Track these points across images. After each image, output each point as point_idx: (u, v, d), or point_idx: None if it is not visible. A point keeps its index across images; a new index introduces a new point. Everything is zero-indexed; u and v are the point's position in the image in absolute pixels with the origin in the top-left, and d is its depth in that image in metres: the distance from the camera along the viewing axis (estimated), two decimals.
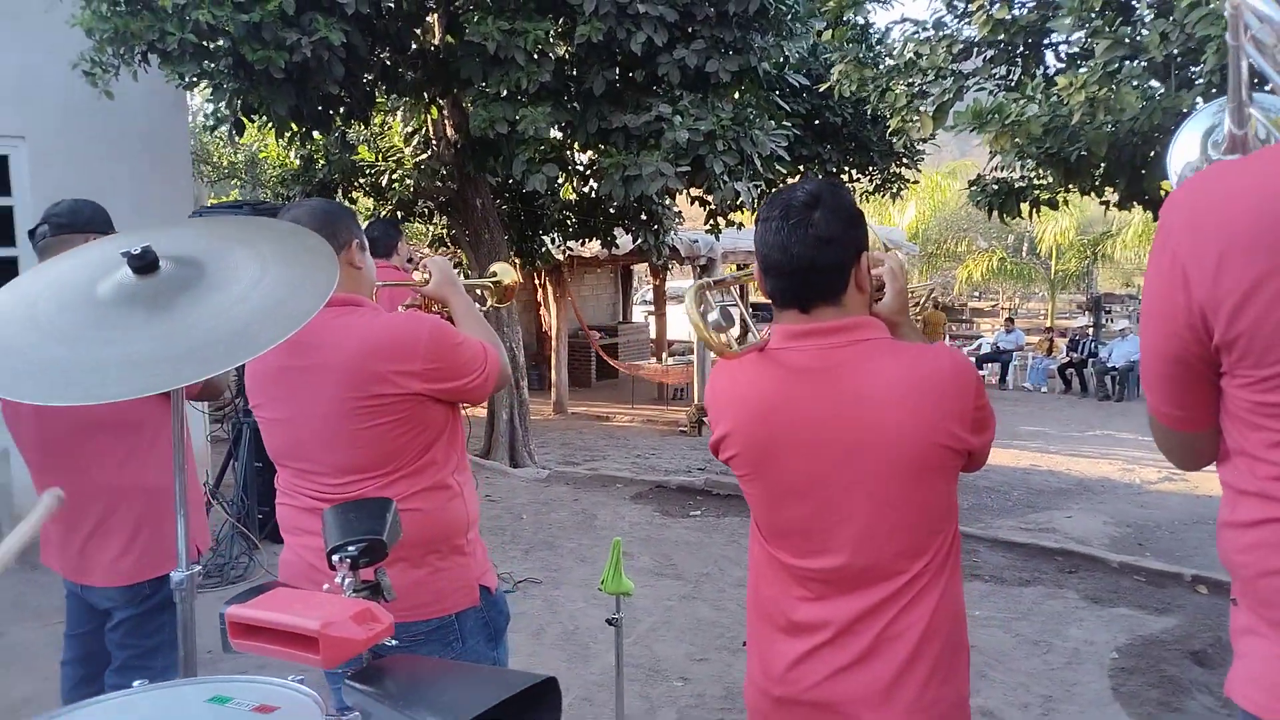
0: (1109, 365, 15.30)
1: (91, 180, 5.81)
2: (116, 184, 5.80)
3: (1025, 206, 5.57)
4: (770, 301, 1.60)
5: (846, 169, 9.83)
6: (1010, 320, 19.23)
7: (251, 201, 8.53)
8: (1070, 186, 4.88)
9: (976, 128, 4.28)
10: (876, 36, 7.58)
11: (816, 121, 9.18)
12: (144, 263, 1.62)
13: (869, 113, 8.43)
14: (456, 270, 2.50)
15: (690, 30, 6.30)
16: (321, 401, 2.05)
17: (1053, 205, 5.47)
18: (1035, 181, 5.36)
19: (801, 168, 9.32)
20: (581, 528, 6.20)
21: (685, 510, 6.72)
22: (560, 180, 7.90)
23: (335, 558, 1.42)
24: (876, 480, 1.53)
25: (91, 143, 5.96)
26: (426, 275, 2.34)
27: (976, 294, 27.91)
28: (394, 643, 1.38)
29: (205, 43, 5.39)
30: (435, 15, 7.04)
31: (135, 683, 1.62)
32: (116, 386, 1.56)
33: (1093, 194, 5.09)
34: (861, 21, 7.34)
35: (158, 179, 6.25)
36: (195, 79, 5.78)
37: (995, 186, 5.57)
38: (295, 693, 1.54)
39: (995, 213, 5.57)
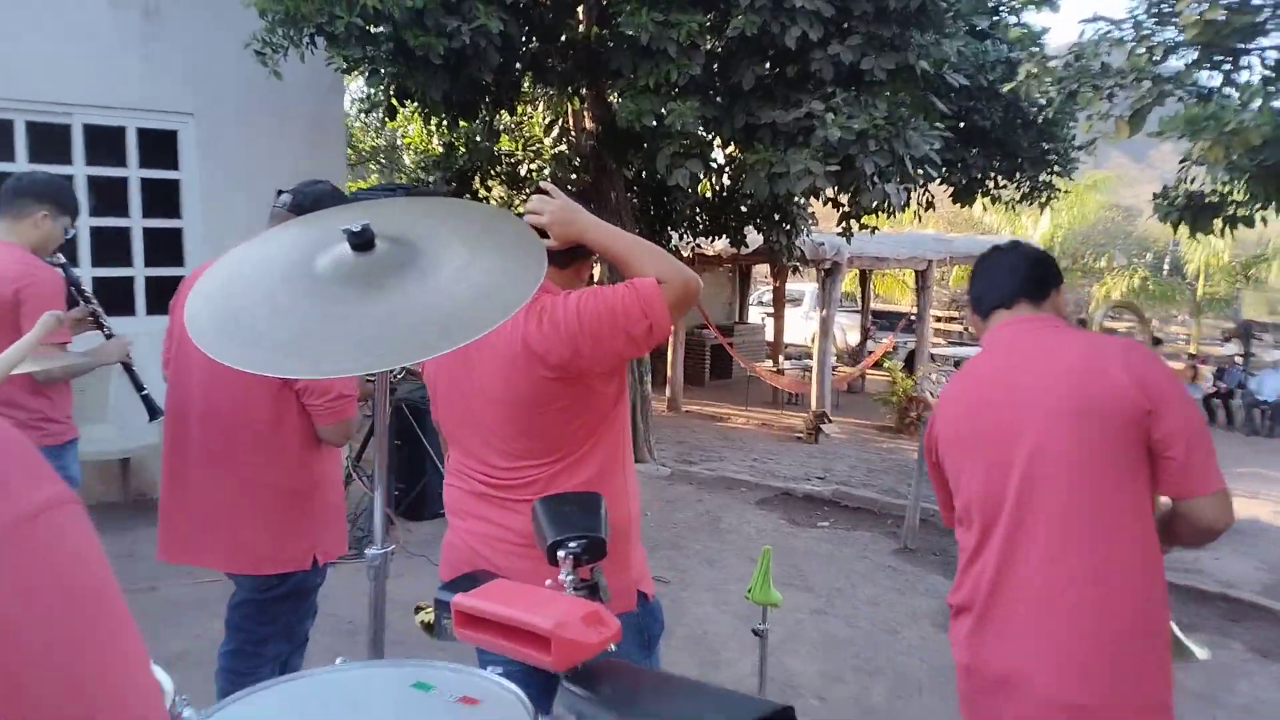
0: (1260, 398, 14.33)
1: (254, 159, 6.05)
2: (277, 164, 6.02)
3: (1218, 223, 5.19)
4: (974, 310, 2.07)
5: (992, 175, 9.41)
6: (1157, 340, 18.20)
7: (405, 186, 8.74)
8: (1277, 203, 4.49)
9: (1188, 134, 3.97)
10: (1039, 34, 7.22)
11: (963, 125, 8.82)
12: (363, 240, 1.60)
13: (1024, 117, 8.06)
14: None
15: (846, 26, 6.11)
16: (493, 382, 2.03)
17: (1249, 223, 5.07)
18: (1231, 196, 4.97)
19: (945, 171, 8.97)
20: (707, 529, 6.11)
21: (813, 520, 6.55)
22: (701, 177, 7.81)
23: (560, 554, 1.37)
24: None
25: (255, 122, 6.19)
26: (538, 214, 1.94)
27: (1113, 314, 26.56)
28: (615, 648, 1.32)
29: (370, 27, 5.52)
30: (585, 6, 7.05)
31: (338, 659, 1.62)
32: (340, 362, 1.54)
33: None
34: (1041, 24, 6.99)
35: (315, 160, 6.43)
36: (357, 62, 5.92)
37: (1185, 200, 5.19)
38: (497, 687, 1.50)
39: (1180, 227, 5.19)
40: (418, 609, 1.82)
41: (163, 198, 6.06)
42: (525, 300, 1.55)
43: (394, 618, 1.91)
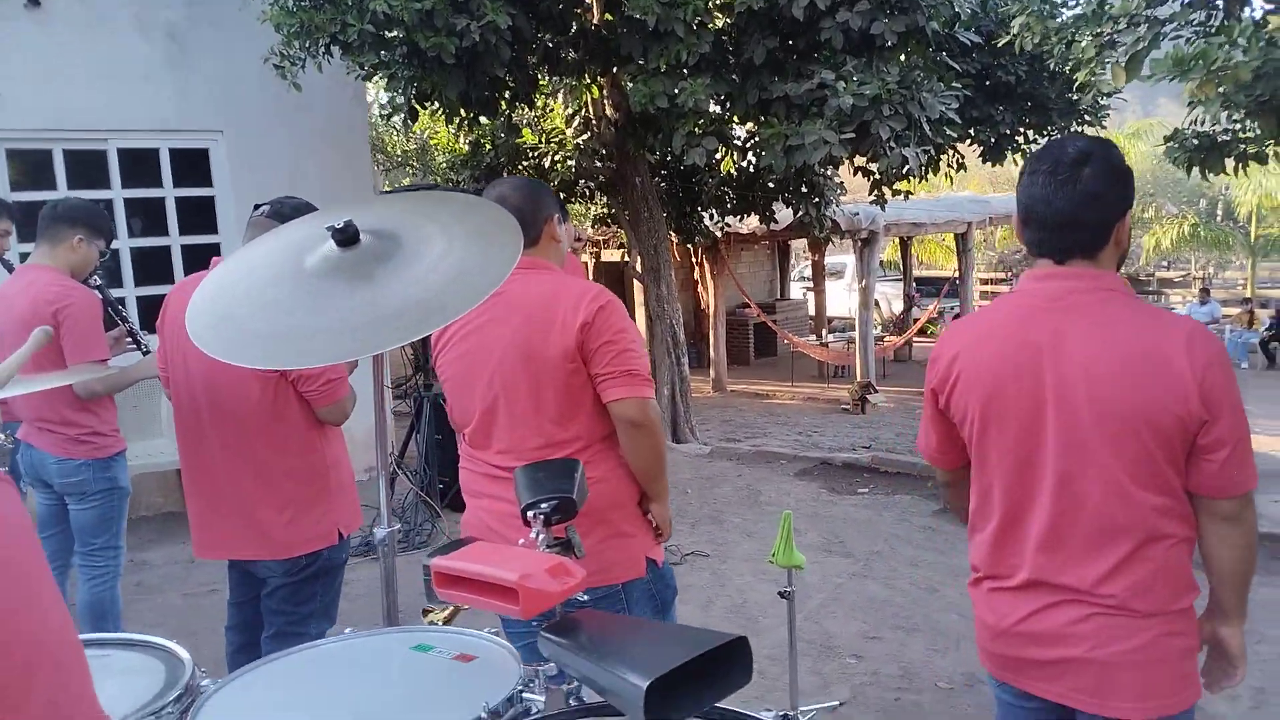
0: None
1: (283, 171, 6.23)
2: (306, 174, 6.20)
3: (1230, 162, 5.06)
4: (1026, 250, 1.69)
5: (1022, 130, 9.24)
6: (1205, 290, 17.70)
7: (423, 185, 8.90)
8: None
9: (1178, 76, 3.89)
10: None
11: (988, 82, 8.67)
12: (346, 235, 1.69)
13: (1049, 69, 7.90)
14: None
15: None
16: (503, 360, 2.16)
17: (1261, 160, 4.93)
18: (1241, 134, 4.85)
19: (972, 131, 8.83)
20: (746, 503, 6.17)
21: (852, 488, 6.58)
22: (720, 154, 7.82)
23: (529, 514, 1.46)
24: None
25: (282, 136, 6.38)
26: None
27: (1165, 263, 25.86)
28: (585, 598, 1.41)
29: (382, 32, 5.65)
30: None
31: (347, 629, 1.74)
32: (325, 351, 1.65)
33: None
34: None
35: (342, 169, 6.62)
36: (373, 68, 6.06)
37: (1195, 141, 5.07)
38: (492, 644, 1.62)
39: (1194, 170, 5.08)
40: (425, 611, 1.92)
41: (199, 215, 6.28)
42: (498, 284, 1.63)
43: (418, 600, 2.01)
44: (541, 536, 1.44)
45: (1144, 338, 1.53)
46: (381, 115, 8.21)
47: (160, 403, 5.37)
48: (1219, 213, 21.45)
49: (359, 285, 1.67)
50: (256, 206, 2.73)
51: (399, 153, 13.41)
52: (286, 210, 2.63)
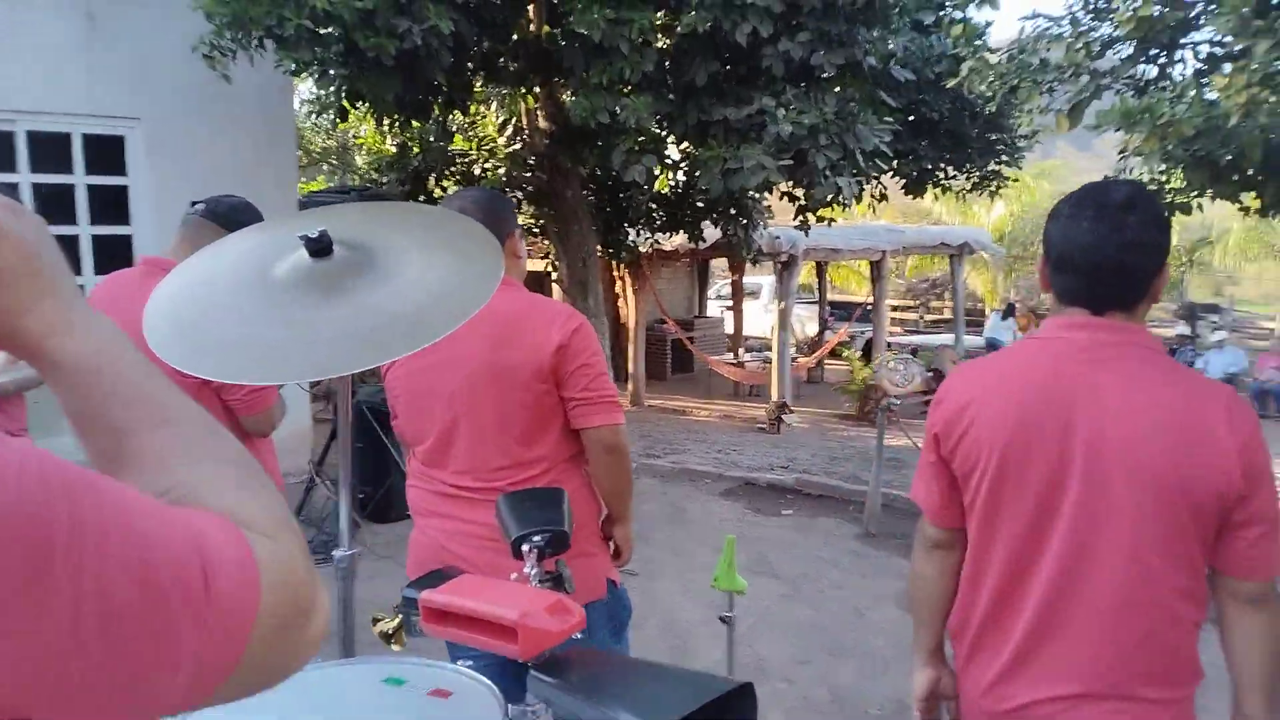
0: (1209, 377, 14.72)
1: (203, 162, 5.98)
2: (226, 167, 5.96)
3: None
4: (1052, 295, 1.56)
5: (943, 165, 9.59)
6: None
7: (359, 188, 8.68)
8: (1211, 191, 4.64)
9: (1124, 127, 4.08)
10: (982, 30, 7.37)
11: (911, 118, 8.99)
12: (320, 246, 1.61)
13: (972, 108, 8.22)
14: None
15: (795, 22, 6.20)
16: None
17: (1185, 210, 5.21)
18: (1168, 185, 5.11)
19: (896, 164, 9.12)
20: (672, 521, 6.17)
21: (777, 509, 6.64)
22: (657, 172, 7.84)
23: (524, 547, 1.41)
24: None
25: (203, 126, 6.12)
26: None
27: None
28: (579, 635, 1.36)
29: (319, 29, 5.48)
30: (536, 4, 7.05)
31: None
32: (298, 367, 1.56)
33: (1232, 199, 4.83)
34: (984, 19, 7.13)
35: (265, 163, 6.39)
36: (306, 65, 5.88)
37: None
38: (469, 679, 1.54)
39: None
40: (375, 620, 1.84)
41: (112, 204, 5.97)
42: (485, 301, 1.58)
43: (364, 619, 1.93)
44: (534, 571, 1.39)
45: (1185, 404, 1.44)
46: (308, 112, 7.98)
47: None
48: None
49: (332, 299, 1.60)
50: (193, 204, 2.60)
51: (318, 150, 13.06)
52: (222, 209, 2.54)
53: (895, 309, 20.27)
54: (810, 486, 6.99)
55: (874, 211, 10.36)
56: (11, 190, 5.39)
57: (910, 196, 10.18)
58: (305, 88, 8.41)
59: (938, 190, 9.88)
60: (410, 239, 1.73)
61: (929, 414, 1.66)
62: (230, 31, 5.47)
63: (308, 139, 13.28)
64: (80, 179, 5.85)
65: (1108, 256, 1.46)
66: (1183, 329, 19.92)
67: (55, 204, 5.81)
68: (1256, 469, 1.41)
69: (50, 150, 5.72)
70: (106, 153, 5.94)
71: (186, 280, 1.75)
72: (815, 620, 4.53)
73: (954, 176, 9.71)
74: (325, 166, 13.60)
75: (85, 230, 5.87)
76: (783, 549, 5.63)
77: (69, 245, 5.83)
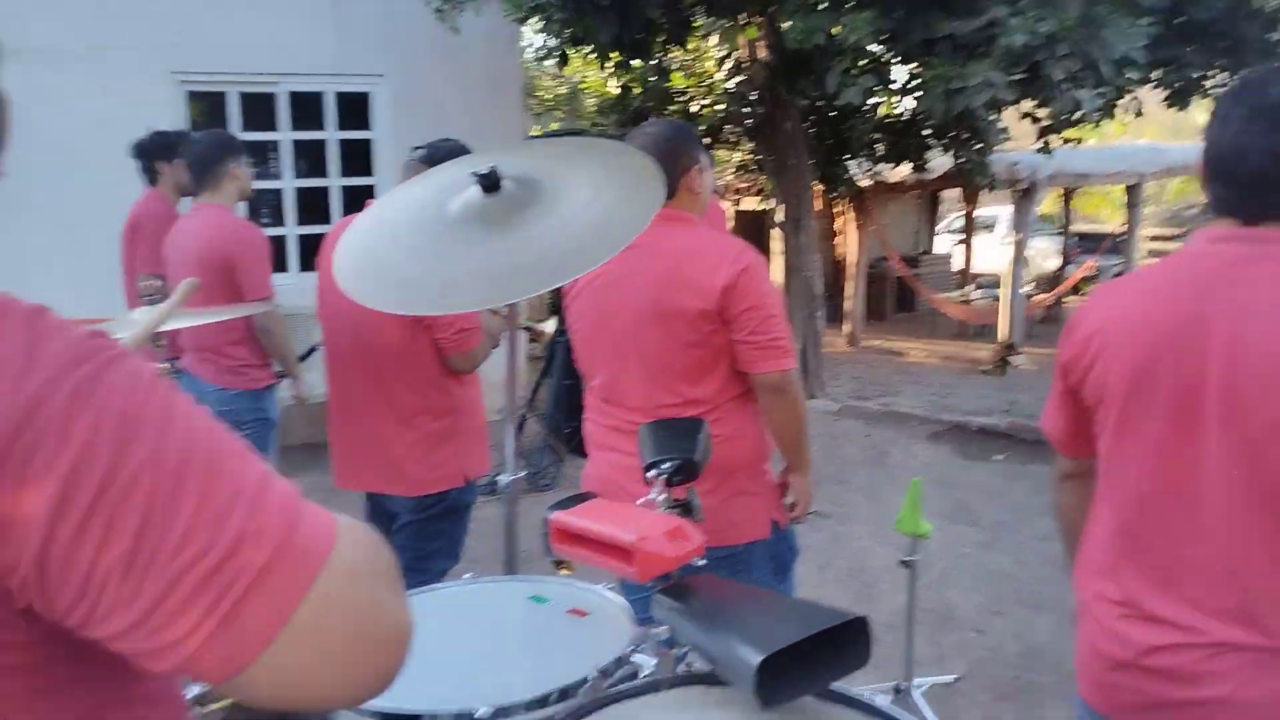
0: None
1: (439, 114, 6.40)
2: (459, 117, 6.33)
3: None
4: (1211, 206, 1.39)
5: (1212, 74, 8.42)
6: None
7: (568, 130, 8.96)
8: None
9: None
10: None
11: (1177, 19, 7.89)
12: (490, 181, 1.71)
13: (1249, 5, 7.16)
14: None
15: None
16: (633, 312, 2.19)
17: None
18: None
19: (1155, 74, 8.09)
20: (872, 464, 6.08)
21: (986, 454, 6.36)
22: (877, 96, 7.45)
23: (650, 473, 1.48)
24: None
25: (439, 80, 6.53)
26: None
27: None
28: (703, 562, 1.40)
29: None
30: None
31: (465, 575, 1.82)
32: (465, 297, 1.70)
33: None
34: None
35: (495, 112, 6.74)
36: (530, 11, 6.09)
37: None
38: (606, 600, 1.65)
39: None
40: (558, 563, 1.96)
41: (357, 157, 6.55)
42: (638, 233, 1.61)
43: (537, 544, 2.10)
44: (662, 497, 1.46)
45: None
46: (536, 59, 8.30)
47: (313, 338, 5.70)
48: None
49: (499, 232, 1.67)
50: (414, 149, 2.78)
51: (550, 97, 13.56)
52: (440, 154, 2.66)
53: (1154, 239, 18.37)
54: (1026, 432, 6.59)
55: (1134, 130, 9.33)
56: (273, 147, 6.07)
57: (1174, 109, 8.99)
58: (535, 36, 8.73)
59: (1206, 102, 8.71)
60: (578, 173, 1.79)
61: (1060, 340, 1.53)
62: None
63: (539, 86, 13.83)
64: (332, 135, 6.45)
65: (1258, 164, 1.28)
66: None
67: (310, 158, 6.47)
68: None
69: (306, 108, 6.35)
70: (354, 109, 6.50)
71: (373, 221, 1.93)
72: (1012, 570, 4.35)
73: (1224, 86, 8.52)
74: (560, 112, 14.11)
75: (336, 182, 6.49)
76: (987, 496, 5.41)
77: (321, 196, 6.48)
